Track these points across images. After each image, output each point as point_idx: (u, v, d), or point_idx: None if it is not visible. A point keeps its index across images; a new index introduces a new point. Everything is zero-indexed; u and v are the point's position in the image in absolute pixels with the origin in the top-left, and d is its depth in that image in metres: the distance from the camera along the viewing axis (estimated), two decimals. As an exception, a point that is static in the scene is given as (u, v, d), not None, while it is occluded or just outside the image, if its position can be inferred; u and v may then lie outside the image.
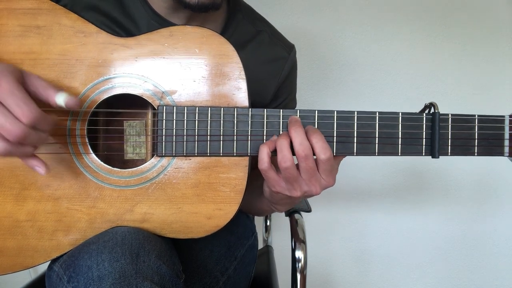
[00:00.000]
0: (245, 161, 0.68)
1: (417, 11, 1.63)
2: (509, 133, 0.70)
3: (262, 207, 0.82)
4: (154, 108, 0.68)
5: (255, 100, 0.86)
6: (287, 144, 0.63)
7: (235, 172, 0.68)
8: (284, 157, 0.63)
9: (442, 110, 0.70)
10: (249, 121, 0.68)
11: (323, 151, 0.63)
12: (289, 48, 0.92)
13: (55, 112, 0.65)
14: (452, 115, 0.69)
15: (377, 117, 0.68)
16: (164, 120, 0.67)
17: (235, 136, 0.67)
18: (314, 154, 0.64)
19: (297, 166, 0.65)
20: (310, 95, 1.65)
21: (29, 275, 1.06)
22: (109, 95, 0.67)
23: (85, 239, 0.66)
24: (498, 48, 1.66)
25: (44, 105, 0.65)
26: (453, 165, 1.71)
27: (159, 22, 0.80)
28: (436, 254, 1.77)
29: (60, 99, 0.59)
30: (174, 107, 0.67)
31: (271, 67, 0.89)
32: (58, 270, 0.64)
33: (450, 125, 0.69)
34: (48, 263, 0.70)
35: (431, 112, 0.69)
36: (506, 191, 1.74)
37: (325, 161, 0.63)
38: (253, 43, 0.88)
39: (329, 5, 1.61)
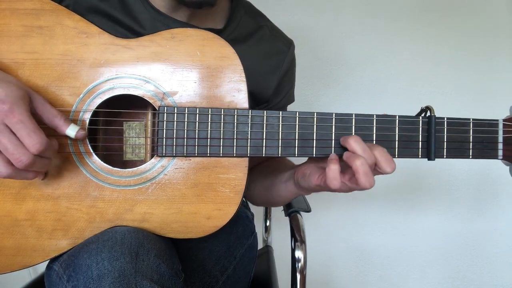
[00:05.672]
0: (244, 162, 0.69)
1: (417, 11, 1.63)
2: (503, 137, 0.71)
3: (286, 195, 0.83)
4: (154, 109, 0.69)
5: (257, 93, 0.86)
6: (365, 163, 0.64)
7: (234, 172, 0.69)
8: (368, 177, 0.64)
9: (441, 111, 0.71)
10: (249, 123, 0.68)
11: (388, 164, 0.65)
12: (289, 43, 0.95)
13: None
14: (447, 118, 0.70)
15: (375, 120, 0.69)
16: (165, 121, 0.67)
17: (235, 137, 0.68)
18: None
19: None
20: (309, 95, 1.65)
21: (29, 275, 1.06)
22: (111, 96, 0.67)
23: (84, 239, 0.66)
24: (498, 49, 1.66)
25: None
26: (453, 165, 1.71)
27: (162, 20, 0.80)
28: (436, 254, 1.77)
29: (71, 132, 0.62)
30: (175, 108, 0.68)
31: (272, 61, 0.91)
32: (57, 269, 0.64)
33: (445, 128, 0.70)
34: (47, 262, 0.70)
35: (427, 115, 0.70)
36: (506, 191, 1.74)
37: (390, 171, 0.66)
38: (254, 37, 0.90)
39: (329, 5, 1.62)
